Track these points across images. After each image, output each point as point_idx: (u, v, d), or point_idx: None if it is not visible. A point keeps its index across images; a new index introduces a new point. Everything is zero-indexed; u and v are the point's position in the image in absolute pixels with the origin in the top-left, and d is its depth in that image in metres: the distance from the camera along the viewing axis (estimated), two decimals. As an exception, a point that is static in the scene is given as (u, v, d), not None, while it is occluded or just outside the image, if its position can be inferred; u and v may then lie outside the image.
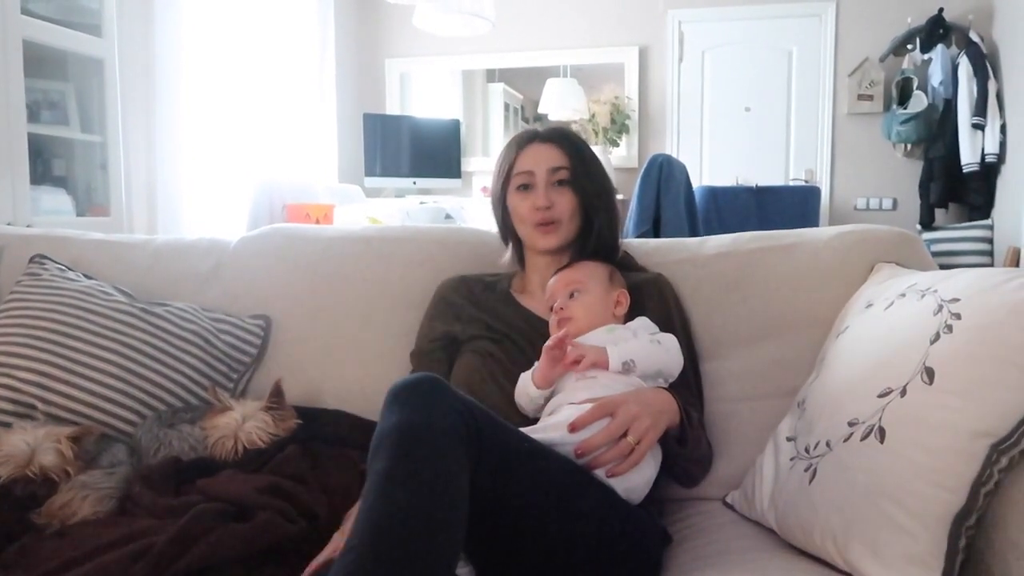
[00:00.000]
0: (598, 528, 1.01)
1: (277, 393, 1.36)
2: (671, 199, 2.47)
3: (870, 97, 4.66)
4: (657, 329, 1.26)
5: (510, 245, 1.46)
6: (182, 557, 0.96)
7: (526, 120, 5.50)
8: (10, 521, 1.14)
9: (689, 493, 1.31)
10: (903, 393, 0.94)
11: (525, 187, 1.37)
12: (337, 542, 1.01)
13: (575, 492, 1.00)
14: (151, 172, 3.10)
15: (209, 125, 3.55)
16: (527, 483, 0.95)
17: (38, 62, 2.61)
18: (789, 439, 1.17)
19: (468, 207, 3.93)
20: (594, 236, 1.37)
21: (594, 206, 1.37)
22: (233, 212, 3.49)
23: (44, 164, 2.76)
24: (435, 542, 0.79)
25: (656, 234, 2.50)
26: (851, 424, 1.00)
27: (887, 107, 4.63)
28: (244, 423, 1.30)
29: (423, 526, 0.79)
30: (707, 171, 4.97)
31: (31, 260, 1.58)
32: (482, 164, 5.28)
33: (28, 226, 2.36)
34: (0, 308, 1.48)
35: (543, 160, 1.36)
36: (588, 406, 1.08)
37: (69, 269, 1.58)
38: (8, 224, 2.31)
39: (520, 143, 1.40)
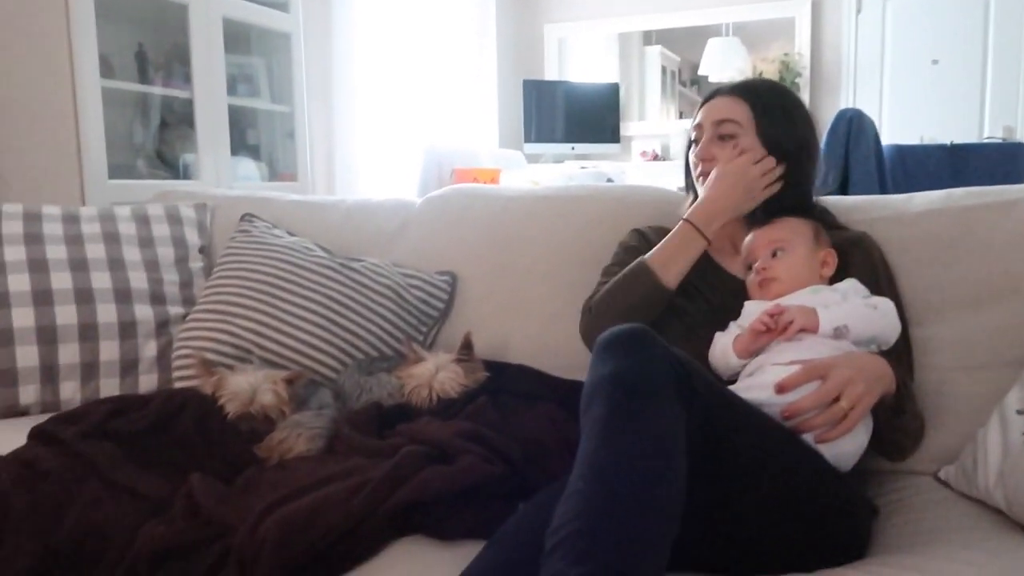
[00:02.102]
0: (809, 492, 0.97)
1: (467, 346, 1.40)
2: (860, 157, 2.30)
3: (1087, 42, 4.12)
4: (868, 292, 1.18)
5: (691, 198, 1.42)
6: (394, 493, 1.02)
7: (683, 83, 5.33)
8: (238, 453, 1.25)
9: (896, 466, 1.23)
10: None
11: (696, 141, 1.35)
12: None
13: (787, 453, 0.96)
14: (330, 140, 3.28)
15: (380, 94, 3.70)
16: (738, 439, 0.92)
17: (234, 38, 2.81)
18: (1020, 412, 1.07)
19: (629, 171, 3.87)
20: (783, 193, 1.30)
21: (782, 159, 1.29)
22: (404, 177, 3.63)
23: (239, 134, 2.99)
24: (660, 492, 0.78)
25: (843, 195, 2.34)
26: (1109, 396, 0.89)
27: (1108, 53, 4.08)
28: (437, 373, 1.36)
29: (648, 475, 0.78)
30: (887, 130, 4.60)
31: (241, 218, 1.72)
32: (640, 129, 5.18)
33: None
34: (218, 262, 1.62)
35: (713, 113, 1.32)
36: (795, 368, 1.02)
37: (274, 227, 1.70)
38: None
39: (703, 99, 1.37)
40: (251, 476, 1.17)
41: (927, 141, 4.00)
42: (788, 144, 1.29)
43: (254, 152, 3.09)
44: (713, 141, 1.32)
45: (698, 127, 1.35)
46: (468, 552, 0.95)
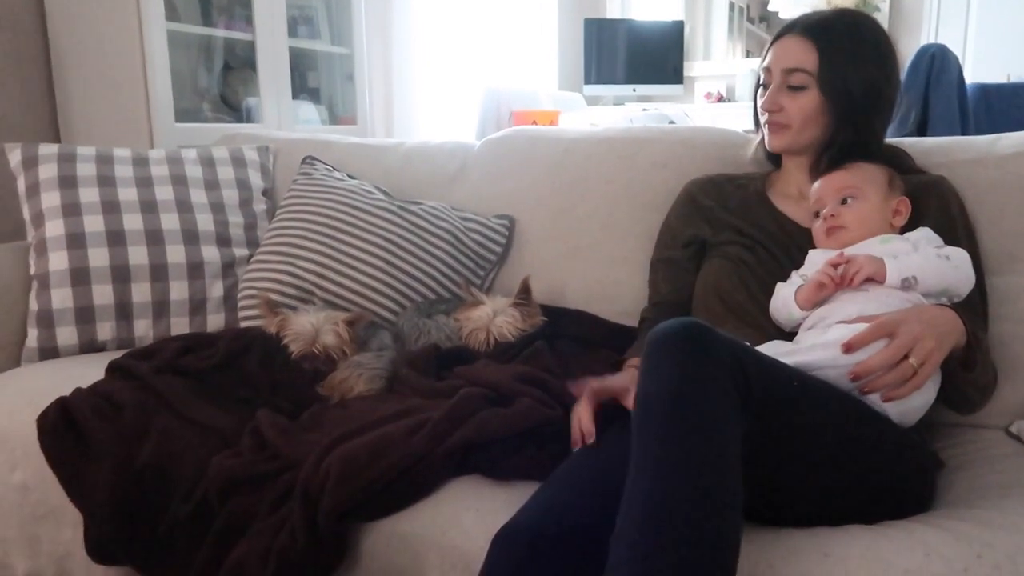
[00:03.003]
0: (868, 456, 0.95)
1: (525, 290, 1.40)
2: (942, 96, 2.16)
3: None
4: (942, 242, 1.13)
5: (759, 139, 1.37)
6: (453, 433, 1.04)
7: (751, 20, 5.10)
8: (301, 391, 1.29)
9: (965, 419, 1.19)
10: None
11: (765, 86, 1.28)
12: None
13: (848, 420, 0.94)
14: (388, 82, 3.27)
15: (439, 35, 3.64)
16: (797, 424, 0.90)
17: (294, -22, 2.79)
18: (1105, 366, 1.01)
19: (692, 114, 3.76)
20: (850, 139, 1.23)
21: (848, 107, 1.21)
22: (462, 120, 3.60)
23: (299, 77, 2.99)
24: (719, 526, 0.77)
25: (922, 135, 2.22)
26: None
27: None
28: (495, 317, 1.36)
29: (705, 512, 0.76)
30: (971, 68, 4.33)
31: (303, 161, 1.74)
32: (704, 69, 5.00)
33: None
34: (281, 204, 1.65)
35: (782, 58, 1.24)
36: (862, 325, 0.99)
37: (335, 169, 1.71)
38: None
39: (776, 35, 1.28)
40: (315, 413, 1.21)
41: (1015, 80, 3.76)
42: (853, 89, 1.21)
43: (314, 95, 3.10)
44: (782, 91, 1.25)
45: (767, 71, 1.28)
46: (524, 492, 0.97)
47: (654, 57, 4.83)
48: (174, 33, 2.36)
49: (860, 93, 1.22)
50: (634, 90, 4.80)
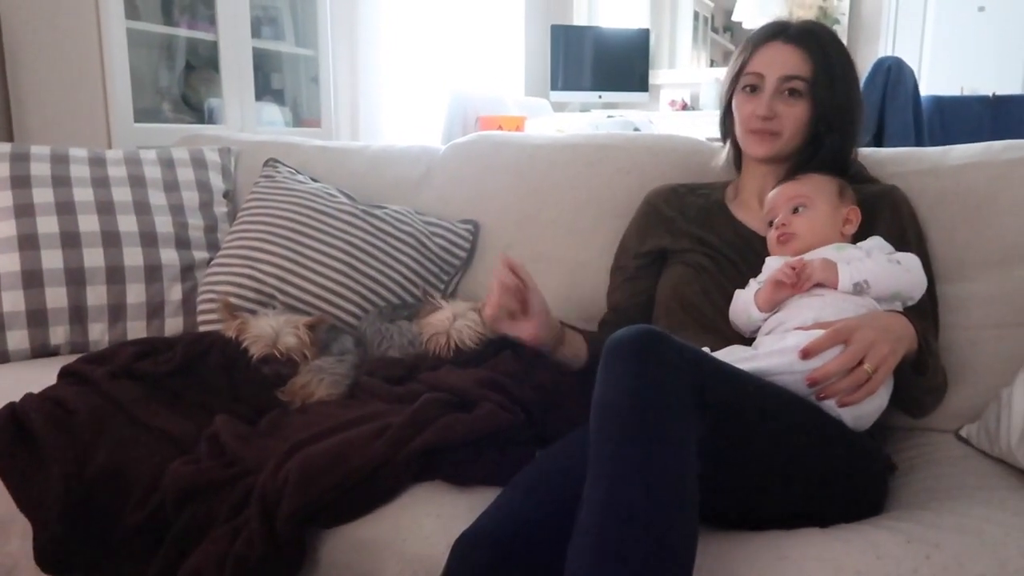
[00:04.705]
0: (822, 460, 0.97)
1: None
2: (897, 108, 2.22)
3: None
4: (893, 250, 1.15)
5: (727, 146, 1.38)
6: (415, 438, 1.03)
7: (715, 30, 5.17)
8: (261, 396, 1.28)
9: (916, 423, 1.22)
10: None
11: (752, 89, 1.26)
12: None
13: (802, 428, 0.96)
14: (354, 85, 3.25)
15: (406, 38, 3.63)
16: (752, 429, 0.92)
17: (259, -22, 2.77)
18: (1049, 372, 1.05)
19: (657, 121, 3.80)
20: (822, 152, 1.25)
21: (829, 122, 1.23)
22: (428, 124, 3.59)
23: (263, 78, 2.96)
24: (675, 530, 0.77)
25: (878, 146, 2.28)
26: None
27: None
28: (455, 322, 1.36)
29: (662, 517, 0.77)
30: (927, 80, 4.44)
31: (265, 164, 1.72)
32: (670, 77, 5.05)
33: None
34: (242, 207, 1.63)
35: (778, 64, 1.23)
36: (818, 331, 1.01)
37: (298, 172, 1.70)
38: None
39: (759, 39, 1.27)
40: (274, 419, 1.20)
41: (968, 92, 3.87)
42: (837, 105, 1.22)
43: (278, 97, 3.07)
44: (779, 97, 1.23)
45: (758, 75, 1.25)
46: (485, 497, 0.97)
47: (620, 64, 4.87)
48: (134, 32, 2.32)
49: (845, 103, 1.24)
50: (600, 97, 4.84)
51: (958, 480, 1.05)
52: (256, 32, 2.79)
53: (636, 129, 3.50)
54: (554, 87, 4.79)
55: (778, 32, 1.25)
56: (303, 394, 1.27)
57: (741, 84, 1.27)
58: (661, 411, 0.82)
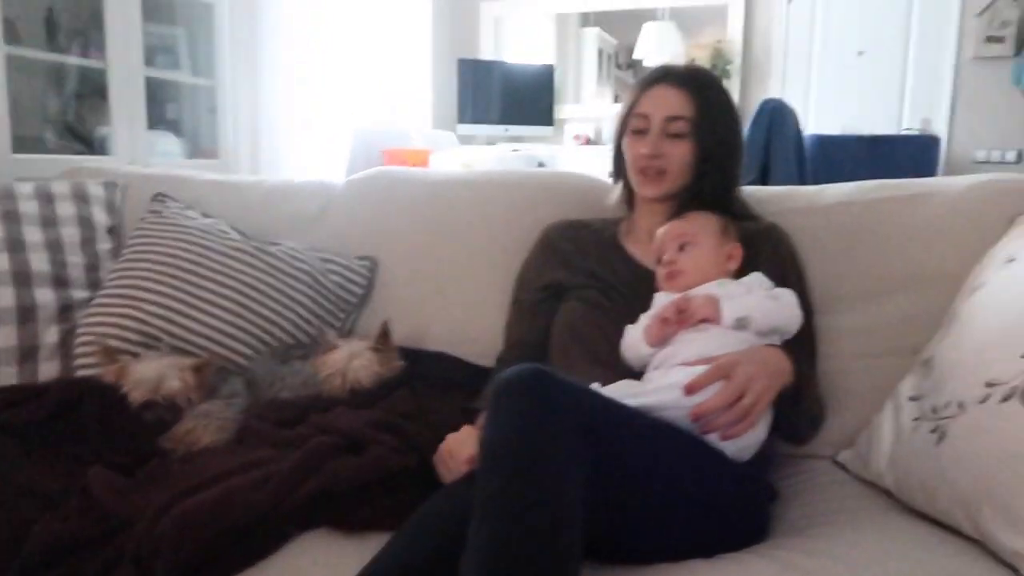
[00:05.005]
0: (707, 493, 1.00)
1: (384, 334, 1.38)
2: (781, 147, 2.35)
3: (1000, 39, 4.29)
4: (773, 285, 1.21)
5: (620, 185, 1.42)
6: (302, 485, 1.00)
7: (619, 67, 5.35)
8: (142, 445, 1.21)
9: (797, 450, 1.27)
10: (1053, 354, 0.87)
11: (639, 131, 1.31)
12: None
13: (685, 461, 0.98)
14: (255, 116, 3.18)
15: (310, 70, 3.59)
16: (636, 464, 0.94)
17: (153, 6, 2.69)
18: (912, 399, 1.11)
19: (561, 155, 3.88)
20: (707, 189, 1.31)
21: (712, 160, 1.29)
22: (332, 157, 3.55)
23: (158, 107, 2.87)
24: (559, 569, 0.78)
25: (763, 183, 2.40)
26: (989, 385, 0.93)
27: (1018, 50, 4.26)
28: (351, 362, 1.34)
29: (545, 555, 0.78)
30: (813, 119, 4.72)
31: (153, 198, 1.65)
32: (575, 112, 5.18)
33: (146, 167, 2.46)
34: (127, 244, 1.56)
35: (662, 106, 1.29)
36: (702, 367, 1.04)
37: (188, 208, 1.64)
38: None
39: (646, 83, 1.32)
40: (154, 469, 1.14)
41: (849, 132, 4.13)
42: (720, 145, 1.29)
43: (174, 127, 2.97)
44: (663, 138, 1.28)
45: (644, 117, 1.30)
46: (375, 544, 0.94)
47: (526, 99, 4.96)
48: (15, 57, 2.21)
49: (726, 144, 1.30)
50: (507, 130, 4.91)
51: (835, 505, 1.10)
52: (150, 60, 2.70)
53: (541, 163, 3.57)
54: (462, 120, 4.83)
55: (663, 76, 1.31)
56: (187, 441, 1.21)
57: (630, 126, 1.33)
58: (546, 451, 0.83)
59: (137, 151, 2.57)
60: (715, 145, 1.29)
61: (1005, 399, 0.90)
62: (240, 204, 1.74)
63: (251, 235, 1.61)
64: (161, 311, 1.42)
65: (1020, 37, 4.27)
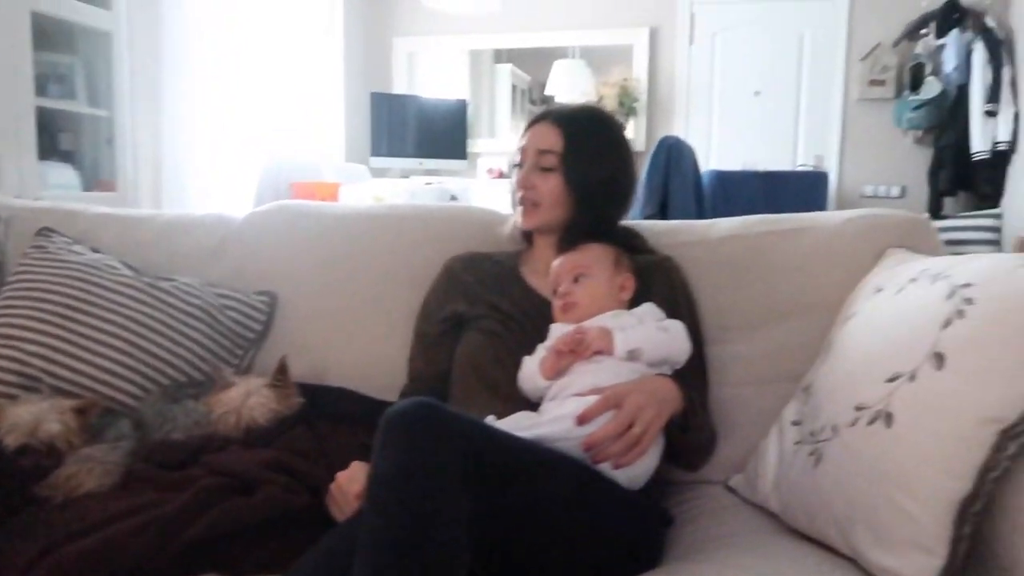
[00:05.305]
0: (601, 522, 1.02)
1: (282, 370, 1.35)
2: (679, 182, 2.45)
3: (882, 83, 4.62)
4: (664, 316, 1.25)
5: (515, 217, 1.46)
6: (187, 529, 0.97)
7: (533, 102, 5.47)
8: (16, 493, 1.14)
9: (691, 476, 1.31)
10: (912, 378, 0.94)
11: (518, 166, 1.38)
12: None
13: (578, 492, 1.00)
14: (158, 148, 3.09)
15: (216, 101, 3.53)
16: (528, 496, 0.95)
17: (46, 35, 2.60)
18: (794, 423, 1.17)
19: (474, 189, 3.92)
20: (585, 222, 1.35)
21: (586, 193, 1.34)
22: (240, 190, 3.48)
23: (51, 138, 2.76)
24: None
25: (663, 217, 2.49)
26: (858, 409, 0.99)
27: (898, 93, 4.59)
28: (247, 399, 1.30)
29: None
30: (715, 155, 4.94)
31: (37, 233, 1.58)
32: (488, 146, 5.26)
33: (36, 200, 2.35)
34: (7, 281, 1.48)
35: (535, 140, 1.36)
36: (593, 398, 1.07)
37: (75, 243, 1.58)
38: (15, 198, 2.31)
39: (530, 123, 1.40)
40: (29, 517, 1.08)
41: (748, 167, 4.33)
42: (592, 179, 1.34)
43: (69, 158, 2.86)
44: (535, 171, 1.35)
45: (522, 151, 1.38)
46: (264, 588, 0.92)
47: (440, 133, 5.01)
48: None
49: (597, 182, 1.35)
50: (421, 163, 4.93)
51: (725, 529, 1.13)
52: (42, 90, 2.60)
53: (453, 196, 3.60)
54: (376, 153, 4.83)
55: (544, 115, 1.39)
56: (68, 487, 1.15)
57: (517, 161, 1.39)
58: (432, 485, 0.83)
59: (27, 183, 2.46)
60: (585, 179, 1.34)
61: (871, 422, 0.96)
62: (133, 239, 1.68)
63: (144, 271, 1.55)
64: (42, 350, 1.35)
65: (900, 81, 4.60)
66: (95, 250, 1.59)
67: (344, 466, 1.17)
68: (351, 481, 1.05)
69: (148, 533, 0.96)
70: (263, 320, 1.54)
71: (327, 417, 1.36)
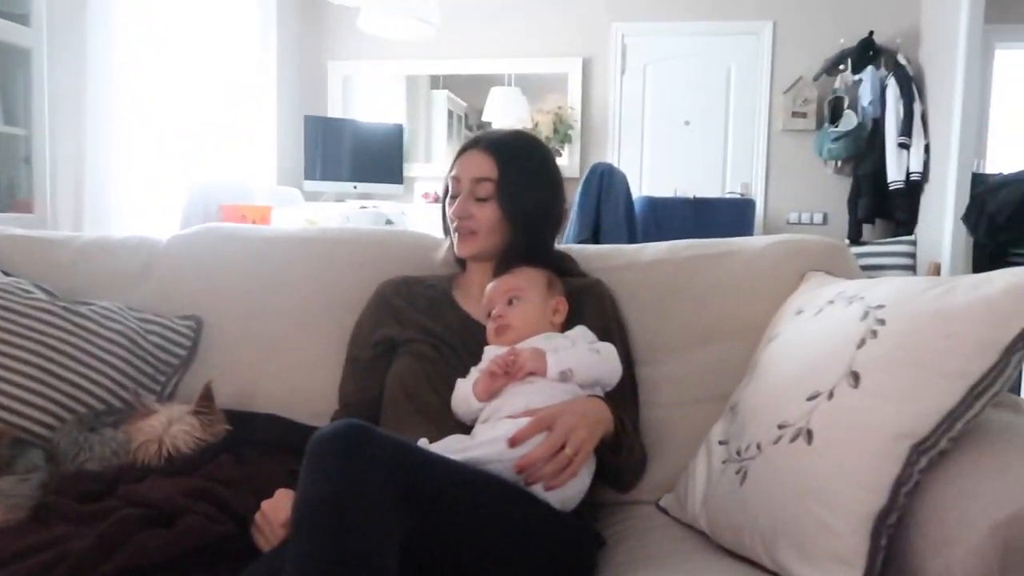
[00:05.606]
0: (533, 542, 1.01)
1: (206, 396, 1.31)
2: (611, 207, 2.50)
3: (804, 115, 4.82)
4: (596, 338, 1.27)
5: (448, 243, 1.46)
6: (101, 565, 0.92)
7: (469, 128, 5.50)
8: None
9: (623, 497, 1.32)
10: (830, 396, 0.97)
11: (454, 194, 1.38)
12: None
13: (510, 514, 1.00)
14: (79, 168, 2.99)
15: (143, 121, 3.44)
16: (460, 518, 0.94)
17: (-41, 50, 2.49)
18: (721, 443, 1.19)
19: (409, 213, 3.91)
20: (521, 248, 1.36)
21: (521, 220, 1.35)
22: (166, 212, 3.39)
23: (-38, 157, 2.64)
24: None
25: (596, 242, 2.53)
26: (780, 427, 1.02)
27: (819, 125, 4.80)
28: (170, 427, 1.26)
29: None
30: (647, 182, 5.06)
31: (-57, 255, 1.50)
32: (424, 170, 5.26)
33: (-57, 221, 2.24)
34: (-92, 305, 1.40)
35: (470, 169, 1.35)
36: (525, 420, 1.07)
37: (-15, 265, 1.50)
38: (-79, 218, 2.19)
39: (461, 149, 1.40)
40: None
41: (679, 194, 4.45)
42: (526, 204, 1.35)
43: (-18, 178, 2.74)
44: (470, 199, 1.34)
45: (455, 180, 1.37)
46: (183, 623, 0.88)
47: (376, 157, 4.99)
48: None
49: (532, 207, 1.36)
50: (356, 187, 4.89)
51: (656, 548, 1.14)
52: (-47, 107, 2.49)
53: (389, 220, 3.58)
54: (310, 177, 4.77)
55: (475, 142, 1.38)
56: (-29, 523, 1.09)
57: (449, 191, 1.38)
58: (361, 509, 0.82)
59: (-66, 203, 2.34)
60: (521, 206, 1.35)
61: (793, 439, 0.99)
62: (49, 261, 1.61)
63: (61, 294, 1.49)
64: (-54, 379, 1.28)
65: (820, 113, 4.81)
66: (6, 273, 1.52)
67: (271, 494, 1.14)
68: (276, 509, 1.02)
69: (58, 570, 0.91)
70: (188, 345, 1.50)
71: (254, 444, 1.32)
